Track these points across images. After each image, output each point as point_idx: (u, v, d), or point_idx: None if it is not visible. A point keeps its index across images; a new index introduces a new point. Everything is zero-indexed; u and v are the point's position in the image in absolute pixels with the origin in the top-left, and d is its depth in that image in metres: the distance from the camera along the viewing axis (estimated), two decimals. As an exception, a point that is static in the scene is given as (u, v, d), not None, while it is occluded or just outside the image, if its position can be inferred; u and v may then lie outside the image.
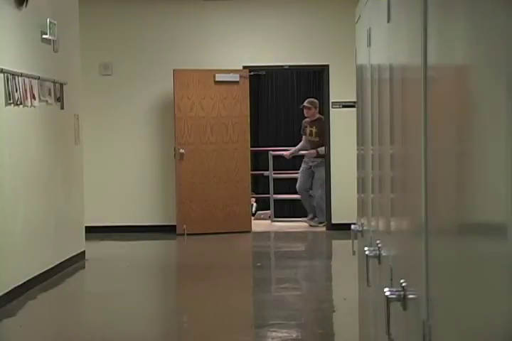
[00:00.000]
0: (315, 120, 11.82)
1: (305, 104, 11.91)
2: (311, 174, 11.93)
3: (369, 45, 3.32)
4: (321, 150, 11.71)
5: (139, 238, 10.62)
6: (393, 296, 2.10)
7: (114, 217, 11.12)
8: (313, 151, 11.77)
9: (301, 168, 12.07)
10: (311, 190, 11.97)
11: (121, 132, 11.24)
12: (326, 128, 11.49)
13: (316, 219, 11.79)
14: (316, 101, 11.93)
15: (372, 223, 3.30)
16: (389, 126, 2.54)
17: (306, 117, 12.06)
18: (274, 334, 5.92)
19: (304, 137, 12.14)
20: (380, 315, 2.68)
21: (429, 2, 1.75)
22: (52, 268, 7.99)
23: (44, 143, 8.01)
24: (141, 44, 11.19)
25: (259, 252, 10.11)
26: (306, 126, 12.01)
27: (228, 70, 10.99)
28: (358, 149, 4.24)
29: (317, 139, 11.79)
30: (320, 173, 11.74)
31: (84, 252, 9.18)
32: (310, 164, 11.94)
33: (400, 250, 2.36)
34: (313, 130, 11.87)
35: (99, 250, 9.70)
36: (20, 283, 7.10)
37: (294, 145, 13.22)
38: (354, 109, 4.78)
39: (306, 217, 12.24)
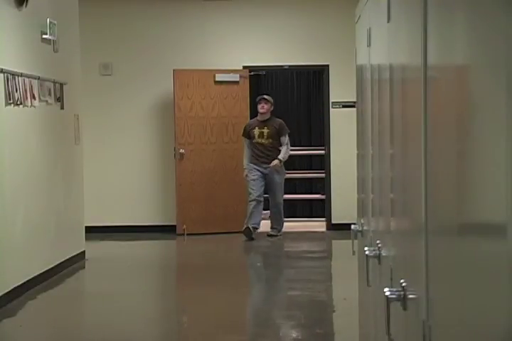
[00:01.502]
0: (267, 120, 10.54)
1: (265, 96, 10.64)
2: (264, 180, 10.51)
3: (369, 45, 3.32)
4: (284, 157, 10.53)
5: (139, 238, 10.62)
6: (393, 296, 2.10)
7: (114, 217, 11.12)
8: (276, 162, 10.42)
9: (252, 176, 10.47)
10: (274, 199, 10.67)
11: (121, 132, 11.24)
12: (282, 131, 10.47)
13: (276, 228, 10.69)
14: (272, 99, 10.75)
15: (372, 223, 3.30)
16: (389, 126, 2.54)
17: (251, 119, 10.76)
18: (274, 334, 5.92)
19: (245, 142, 10.57)
20: (380, 315, 2.68)
21: (429, 2, 1.75)
22: (52, 268, 7.99)
23: (44, 143, 8.01)
24: (141, 44, 11.19)
25: (259, 252, 10.11)
26: (254, 127, 10.49)
27: (228, 70, 10.99)
28: (358, 149, 4.24)
29: (269, 141, 10.43)
30: (279, 178, 10.58)
31: (84, 252, 9.18)
32: (264, 171, 10.48)
33: (400, 250, 2.36)
34: (265, 131, 10.45)
35: (99, 250, 9.70)
36: (20, 283, 7.10)
37: (294, 145, 13.22)
38: (354, 109, 4.78)
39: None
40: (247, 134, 10.56)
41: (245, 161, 10.53)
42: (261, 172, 10.44)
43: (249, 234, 10.24)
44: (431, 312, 1.74)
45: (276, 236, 10.58)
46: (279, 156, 10.46)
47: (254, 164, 10.48)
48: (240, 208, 11.03)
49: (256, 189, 10.44)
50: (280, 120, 10.64)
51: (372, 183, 3.28)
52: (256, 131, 10.47)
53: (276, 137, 10.45)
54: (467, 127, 1.38)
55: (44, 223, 7.92)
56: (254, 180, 10.47)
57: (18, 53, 7.39)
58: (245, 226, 10.28)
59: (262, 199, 10.53)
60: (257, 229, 10.41)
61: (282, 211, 10.78)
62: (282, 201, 10.80)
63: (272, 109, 10.61)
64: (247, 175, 10.49)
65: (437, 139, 1.68)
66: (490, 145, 1.21)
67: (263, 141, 10.45)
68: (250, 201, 10.46)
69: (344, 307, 6.59)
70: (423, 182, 1.81)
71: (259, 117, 10.61)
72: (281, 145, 10.50)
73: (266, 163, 10.44)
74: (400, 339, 2.24)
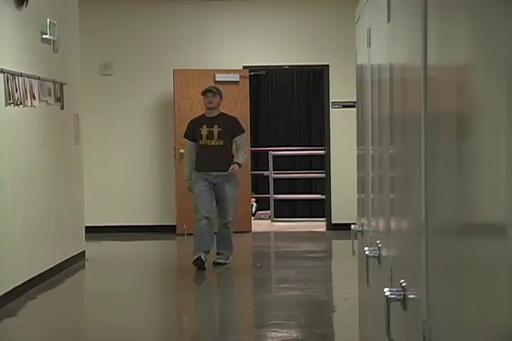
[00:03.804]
0: (217, 116, 8.45)
1: (211, 88, 8.57)
2: (213, 192, 8.32)
3: (369, 45, 3.32)
4: (243, 161, 8.43)
5: (139, 238, 10.62)
6: (393, 296, 2.10)
7: (114, 217, 11.12)
8: (234, 166, 8.29)
9: (198, 187, 8.26)
10: (224, 217, 8.38)
11: (121, 132, 11.24)
12: (237, 130, 8.45)
13: (223, 254, 8.51)
14: (221, 90, 8.72)
15: (372, 223, 3.30)
16: (389, 126, 2.54)
17: (199, 117, 8.62)
18: (274, 334, 5.92)
19: (189, 145, 8.49)
20: (380, 315, 2.68)
21: (429, 2, 1.75)
22: (52, 268, 7.99)
23: (44, 143, 8.01)
24: (141, 44, 11.19)
25: (259, 252, 10.11)
26: (201, 126, 8.37)
27: (228, 70, 10.99)
28: (358, 149, 4.24)
29: (221, 143, 8.29)
30: (232, 190, 8.34)
31: (84, 252, 9.18)
32: (214, 180, 8.30)
33: (400, 250, 2.36)
34: (215, 130, 8.33)
35: (99, 250, 9.70)
36: (20, 283, 7.10)
37: (294, 145, 13.24)
38: (354, 109, 4.78)
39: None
40: (192, 135, 8.44)
41: (187, 170, 8.46)
42: (208, 182, 8.28)
43: (202, 264, 8.18)
44: (431, 312, 1.74)
45: (223, 264, 8.43)
46: (237, 159, 8.36)
47: (200, 172, 8.30)
48: (239, 208, 11.02)
49: (203, 204, 8.25)
50: (234, 117, 8.69)
51: (372, 183, 3.28)
52: (204, 131, 8.33)
53: (229, 138, 8.35)
54: (467, 127, 1.38)
55: (44, 223, 7.92)
56: (201, 192, 8.26)
57: (18, 53, 7.39)
58: (196, 256, 8.18)
59: (211, 216, 8.32)
60: (207, 253, 8.31)
61: (232, 233, 8.51)
62: (233, 220, 8.49)
63: (220, 102, 8.57)
64: (189, 188, 8.43)
65: (437, 139, 1.68)
66: (490, 145, 1.21)
67: (213, 142, 8.31)
68: (198, 220, 8.27)
69: (344, 307, 6.59)
70: (423, 182, 1.81)
71: (206, 113, 8.53)
72: (235, 149, 8.45)
73: (216, 170, 8.24)
74: (399, 339, 2.24)
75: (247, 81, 11.11)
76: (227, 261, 8.47)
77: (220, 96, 8.49)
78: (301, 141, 13.43)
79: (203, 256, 8.15)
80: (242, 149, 8.42)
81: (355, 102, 4.61)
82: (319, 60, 11.23)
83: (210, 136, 8.32)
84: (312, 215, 12.77)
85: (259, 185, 13.13)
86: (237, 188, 8.42)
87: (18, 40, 7.38)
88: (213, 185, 8.28)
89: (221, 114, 8.51)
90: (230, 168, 8.25)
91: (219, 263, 8.39)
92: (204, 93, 8.51)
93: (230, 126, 8.39)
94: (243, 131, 8.52)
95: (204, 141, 8.33)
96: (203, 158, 8.30)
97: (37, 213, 7.72)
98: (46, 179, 8.03)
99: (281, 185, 13.07)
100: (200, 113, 10.32)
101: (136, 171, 11.24)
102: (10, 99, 7.02)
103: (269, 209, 12.64)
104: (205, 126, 8.35)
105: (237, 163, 8.33)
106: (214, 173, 8.25)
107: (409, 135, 2.11)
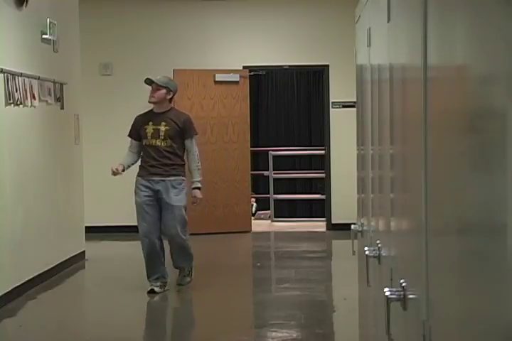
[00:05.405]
0: (165, 112, 7.11)
1: (156, 79, 7.10)
2: (159, 207, 7.06)
3: (369, 45, 3.32)
4: (200, 179, 7.18)
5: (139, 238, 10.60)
6: (393, 296, 2.10)
7: (114, 217, 11.11)
8: (197, 194, 7.13)
9: (139, 198, 7.10)
10: (170, 234, 7.17)
11: (121, 132, 11.18)
12: (188, 131, 7.09)
13: (183, 268, 7.46)
14: (174, 82, 7.37)
15: (372, 223, 3.30)
16: (389, 126, 2.54)
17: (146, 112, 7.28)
18: (274, 334, 5.92)
19: (131, 145, 7.28)
20: (380, 315, 2.68)
21: (429, 2, 1.75)
22: (52, 268, 8.00)
23: (44, 143, 8.01)
24: (141, 44, 11.20)
25: (259, 252, 10.11)
26: (146, 123, 7.10)
27: (228, 70, 10.99)
28: (358, 149, 4.25)
29: (167, 144, 7.01)
30: (179, 199, 6.99)
31: (84, 252, 9.18)
32: (156, 187, 7.04)
33: (400, 250, 2.36)
34: (162, 128, 7.01)
35: (99, 250, 9.69)
36: (20, 283, 7.10)
37: (294, 145, 13.25)
38: (354, 109, 4.79)
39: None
40: (136, 133, 7.18)
41: (123, 160, 7.37)
42: (151, 189, 7.06)
43: (154, 293, 7.15)
44: (431, 312, 1.74)
45: (182, 285, 7.39)
46: (195, 182, 7.13)
47: (142, 177, 7.14)
48: (239, 208, 11.03)
49: (147, 219, 7.16)
50: (187, 114, 7.41)
51: (372, 183, 3.29)
52: (149, 128, 7.06)
53: (177, 138, 7.04)
54: (467, 127, 1.38)
55: (44, 223, 7.92)
56: (140, 205, 7.12)
57: (18, 53, 7.39)
58: (149, 288, 7.14)
59: (158, 233, 7.22)
60: (165, 282, 7.27)
61: (188, 243, 7.33)
62: (184, 235, 7.19)
63: (170, 96, 7.16)
64: (113, 169, 7.32)
65: (437, 139, 1.68)
66: (490, 145, 1.21)
67: (158, 142, 7.02)
68: (141, 238, 7.31)
69: (344, 307, 6.59)
70: (423, 182, 1.81)
71: (154, 108, 7.21)
72: (183, 152, 7.12)
73: (159, 174, 7.03)
74: (400, 339, 2.24)
75: (247, 81, 11.11)
76: (191, 278, 7.45)
77: (170, 90, 7.10)
78: (301, 141, 13.43)
79: (156, 289, 7.11)
80: (195, 160, 7.09)
81: (355, 102, 4.61)
82: (319, 60, 11.23)
83: (155, 134, 7.03)
84: (312, 215, 12.77)
85: (259, 185, 13.13)
86: (183, 197, 7.03)
87: (18, 40, 7.38)
88: (155, 193, 7.04)
89: (171, 109, 7.20)
90: (194, 198, 7.12)
91: (180, 284, 7.39)
92: (148, 83, 7.14)
93: (179, 126, 7.06)
94: (195, 133, 7.17)
95: (149, 141, 7.05)
96: (146, 160, 7.10)
97: (37, 213, 7.72)
98: (46, 179, 8.03)
99: (281, 185, 13.08)
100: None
101: (136, 171, 11.21)
102: (10, 99, 7.02)
103: (269, 209, 12.64)
104: (151, 123, 7.06)
105: (197, 187, 7.09)
106: (156, 178, 7.01)
107: (409, 135, 2.11)
